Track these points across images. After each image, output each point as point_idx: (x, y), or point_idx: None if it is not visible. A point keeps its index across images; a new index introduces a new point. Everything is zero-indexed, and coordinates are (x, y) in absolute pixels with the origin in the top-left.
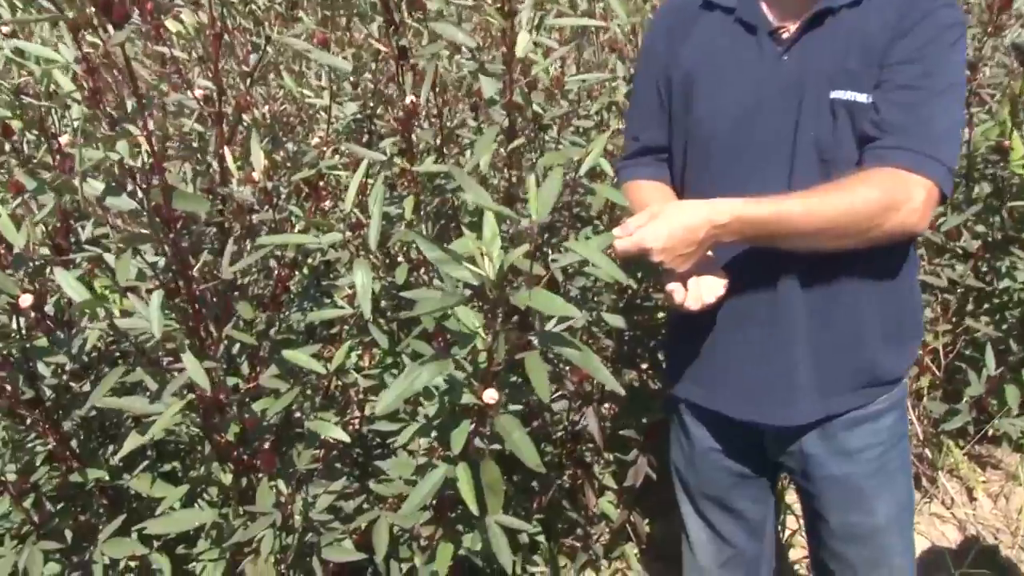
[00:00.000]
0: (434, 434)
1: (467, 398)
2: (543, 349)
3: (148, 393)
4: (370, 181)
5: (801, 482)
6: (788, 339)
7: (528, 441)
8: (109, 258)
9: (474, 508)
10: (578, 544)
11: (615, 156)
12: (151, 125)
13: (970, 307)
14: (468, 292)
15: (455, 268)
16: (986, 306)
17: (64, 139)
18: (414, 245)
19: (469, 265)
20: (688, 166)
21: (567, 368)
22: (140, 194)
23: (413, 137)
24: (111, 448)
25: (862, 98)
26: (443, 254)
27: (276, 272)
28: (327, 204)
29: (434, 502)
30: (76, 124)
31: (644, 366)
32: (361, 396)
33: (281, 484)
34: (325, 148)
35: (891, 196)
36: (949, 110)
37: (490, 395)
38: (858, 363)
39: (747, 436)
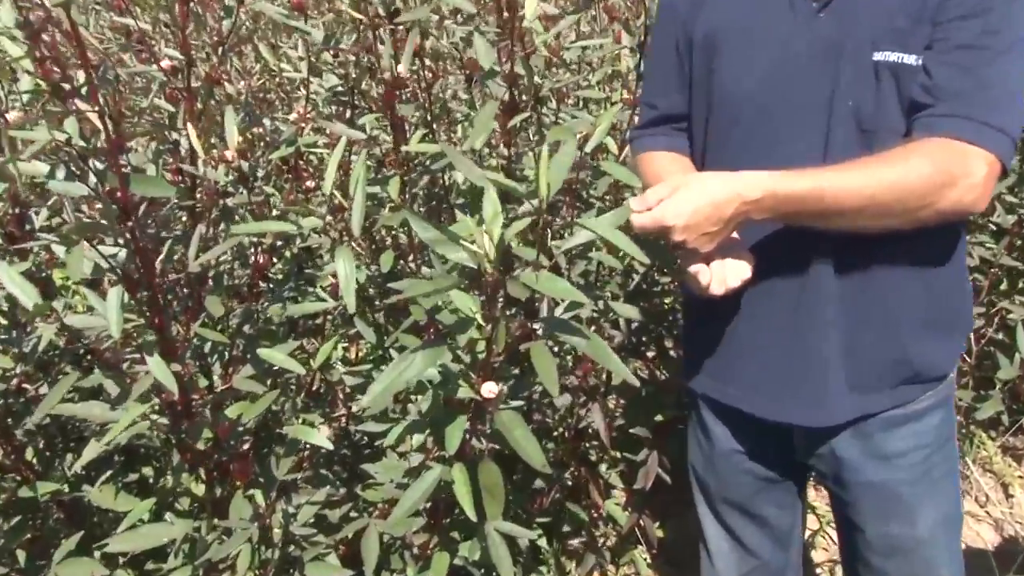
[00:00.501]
0: (427, 432)
1: (464, 392)
2: (547, 338)
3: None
4: (354, 160)
5: (833, 488)
6: (817, 329)
7: (532, 439)
8: (60, 250)
9: (472, 514)
10: (583, 549)
11: (619, 131)
12: (102, 100)
13: (1003, 287)
14: (465, 281)
15: (451, 249)
16: (1021, 285)
17: (12, 116)
18: (401, 230)
19: (467, 244)
20: (709, 137)
21: (570, 359)
22: (94, 178)
23: (398, 112)
24: (71, 457)
25: (910, 60)
26: (439, 234)
27: (253, 260)
28: (309, 185)
29: (428, 507)
30: (25, 99)
31: (651, 355)
32: (348, 392)
33: (258, 494)
34: (304, 124)
35: (946, 171)
36: (1013, 71)
37: (489, 388)
38: (897, 356)
39: (773, 436)
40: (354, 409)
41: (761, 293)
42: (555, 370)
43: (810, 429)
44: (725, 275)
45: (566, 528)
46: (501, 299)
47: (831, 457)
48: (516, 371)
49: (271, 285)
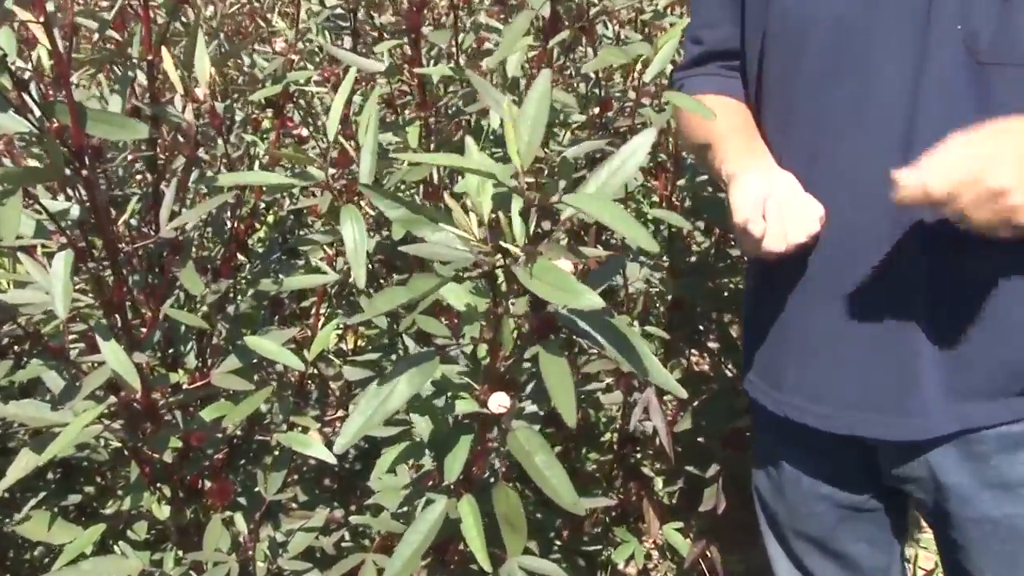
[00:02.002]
0: (428, 455)
1: (465, 405)
2: (566, 337)
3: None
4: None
5: (937, 524)
6: (902, 315)
7: (558, 468)
8: None
9: (485, 562)
10: None
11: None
12: (50, 7)
13: None
14: (454, 275)
15: (431, 230)
16: None
17: None
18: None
19: (449, 227)
20: (767, 75)
21: None
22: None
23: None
24: None
25: None
26: (409, 213)
27: (230, 227)
28: (302, 133)
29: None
30: None
31: (714, 346)
32: (348, 390)
33: (239, 518)
34: (293, 57)
35: None
36: None
37: (498, 401)
38: (1010, 355)
39: (855, 452)
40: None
41: (827, 271)
42: (572, 389)
43: (897, 445)
44: (786, 227)
45: (612, 558)
46: (505, 288)
47: (931, 483)
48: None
49: (250, 259)
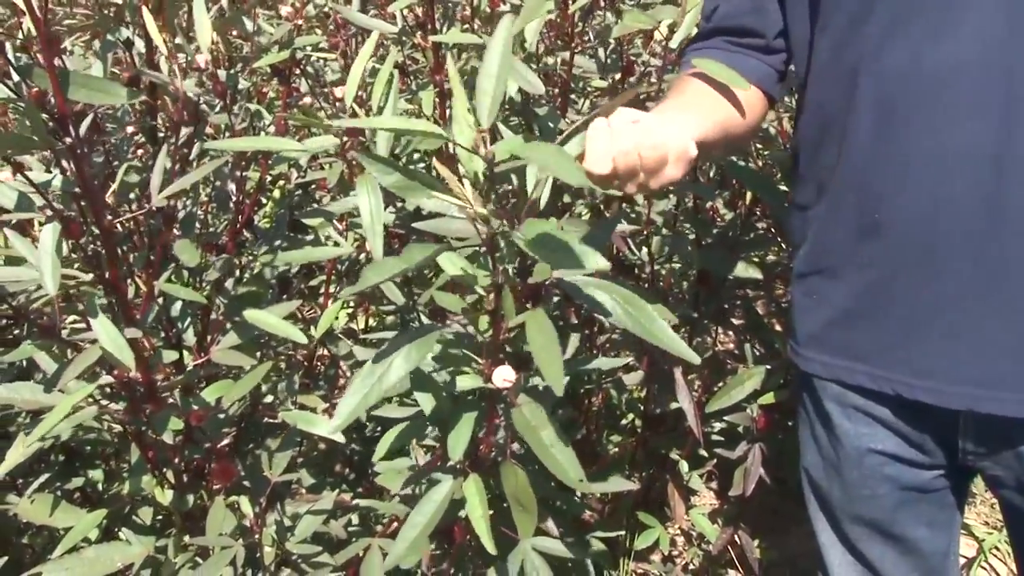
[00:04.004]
0: (431, 432)
1: (468, 381)
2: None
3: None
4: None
5: (1015, 500)
6: (1017, 265)
7: (563, 444)
8: None
9: (490, 545)
10: (659, 571)
11: None
12: None
13: None
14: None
15: (425, 197)
16: None
17: None
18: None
19: (441, 195)
20: (828, 13)
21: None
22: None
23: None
24: None
25: None
26: (403, 179)
27: (235, 200)
28: (306, 101)
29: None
30: None
31: (738, 323)
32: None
33: (244, 502)
34: (300, 22)
35: None
36: None
37: (502, 375)
38: None
39: (930, 428)
40: None
41: (922, 215)
42: (557, 349)
43: (998, 419)
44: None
45: (636, 543)
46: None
47: (1012, 458)
48: None
49: (255, 236)
